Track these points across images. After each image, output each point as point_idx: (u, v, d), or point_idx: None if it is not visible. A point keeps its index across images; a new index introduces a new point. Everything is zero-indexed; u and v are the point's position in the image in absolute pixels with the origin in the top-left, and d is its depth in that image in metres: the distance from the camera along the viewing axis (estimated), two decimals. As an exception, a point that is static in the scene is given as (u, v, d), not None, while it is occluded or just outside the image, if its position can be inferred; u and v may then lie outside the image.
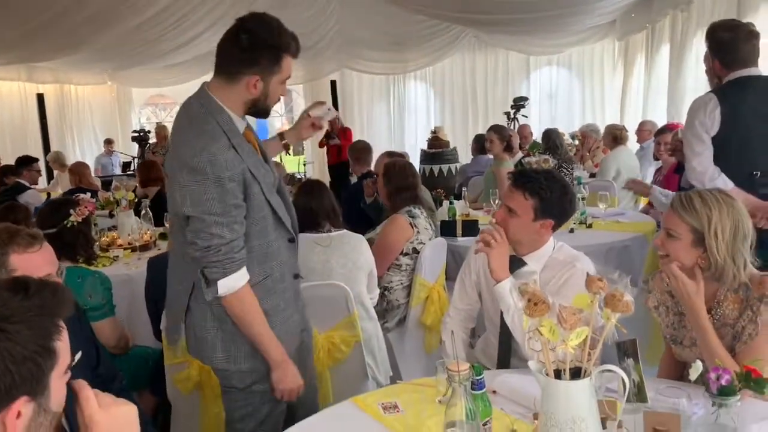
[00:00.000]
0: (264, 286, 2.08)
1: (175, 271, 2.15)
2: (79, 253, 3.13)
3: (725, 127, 3.09)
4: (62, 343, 1.13)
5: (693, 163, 3.18)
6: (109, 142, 11.89)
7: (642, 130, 7.23)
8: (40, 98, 11.53)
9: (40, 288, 1.12)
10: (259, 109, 2.04)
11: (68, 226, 3.14)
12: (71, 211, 3.19)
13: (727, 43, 3.15)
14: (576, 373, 1.42)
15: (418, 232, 3.58)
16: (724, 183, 3.05)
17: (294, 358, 2.19)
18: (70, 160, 9.14)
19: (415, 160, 7.77)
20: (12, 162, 7.60)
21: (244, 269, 1.98)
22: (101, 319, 2.90)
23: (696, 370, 1.69)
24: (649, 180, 5.70)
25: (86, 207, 3.28)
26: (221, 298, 1.98)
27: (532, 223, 2.30)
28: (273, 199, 2.06)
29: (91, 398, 1.21)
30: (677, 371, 2.15)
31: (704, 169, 3.13)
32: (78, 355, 1.89)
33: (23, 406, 1.08)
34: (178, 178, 1.91)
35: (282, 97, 2.11)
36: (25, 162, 7.24)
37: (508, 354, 2.44)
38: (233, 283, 1.96)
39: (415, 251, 3.56)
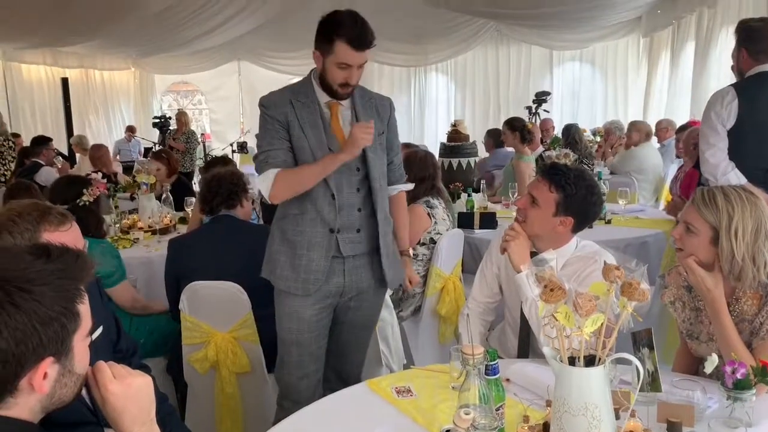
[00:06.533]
0: (296, 219, 2.42)
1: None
2: (89, 231, 3.16)
3: (742, 121, 3.05)
4: (84, 307, 1.16)
5: (706, 155, 3.14)
6: (130, 130, 12.00)
7: (660, 128, 7.17)
8: (65, 82, 11.65)
9: (62, 253, 1.15)
10: (326, 85, 2.38)
11: (80, 204, 3.20)
12: (84, 189, 3.25)
13: (758, 31, 3.12)
14: (590, 361, 1.42)
15: (435, 222, 3.59)
16: (737, 178, 3.01)
17: (314, 319, 2.46)
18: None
19: (435, 153, 7.73)
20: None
21: (276, 168, 2.35)
22: (115, 285, 2.99)
23: (711, 363, 1.69)
24: (671, 177, 5.65)
25: (98, 187, 3.33)
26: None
27: (552, 217, 2.27)
28: (321, 154, 2.35)
29: (106, 370, 1.24)
30: (692, 367, 2.14)
31: (717, 161, 3.10)
32: (99, 330, 1.93)
33: (49, 367, 1.11)
34: None
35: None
36: (41, 142, 7.32)
37: (526, 349, 2.44)
38: (268, 177, 2.34)
39: (432, 241, 3.57)
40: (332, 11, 2.33)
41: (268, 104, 2.41)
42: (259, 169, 2.39)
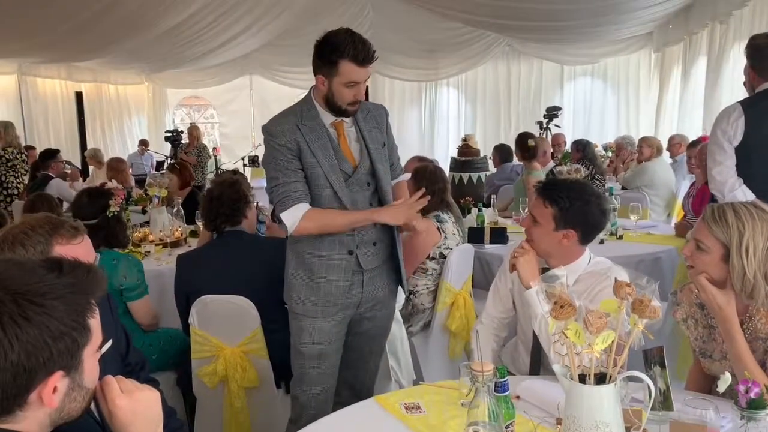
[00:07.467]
0: (312, 243, 2.42)
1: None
2: (119, 239, 3.20)
3: (749, 137, 3.04)
4: (95, 321, 1.17)
5: (713, 172, 3.14)
6: (143, 143, 12.12)
7: (673, 144, 7.15)
8: (79, 96, 11.80)
9: (74, 267, 1.16)
10: (333, 107, 2.38)
11: (109, 216, 3.20)
12: (110, 201, 3.25)
13: (764, 48, 3.11)
14: (601, 379, 1.41)
15: (445, 237, 3.58)
16: (744, 194, 2.99)
17: (334, 331, 2.46)
18: (107, 158, 9.31)
19: (445, 168, 7.73)
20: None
21: (302, 204, 2.34)
22: (138, 299, 3.01)
23: (725, 381, 1.66)
24: (683, 192, 5.62)
25: (119, 195, 3.35)
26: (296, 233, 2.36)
27: (554, 232, 2.26)
28: (334, 177, 2.38)
29: (114, 383, 1.24)
30: (706, 385, 2.11)
31: (724, 179, 3.09)
32: (109, 343, 1.94)
33: (59, 381, 1.11)
34: None
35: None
36: (49, 155, 7.37)
37: (538, 366, 2.42)
38: (295, 212, 2.32)
39: (442, 256, 3.56)
40: (326, 33, 2.32)
41: (275, 133, 2.38)
42: (282, 204, 2.35)
